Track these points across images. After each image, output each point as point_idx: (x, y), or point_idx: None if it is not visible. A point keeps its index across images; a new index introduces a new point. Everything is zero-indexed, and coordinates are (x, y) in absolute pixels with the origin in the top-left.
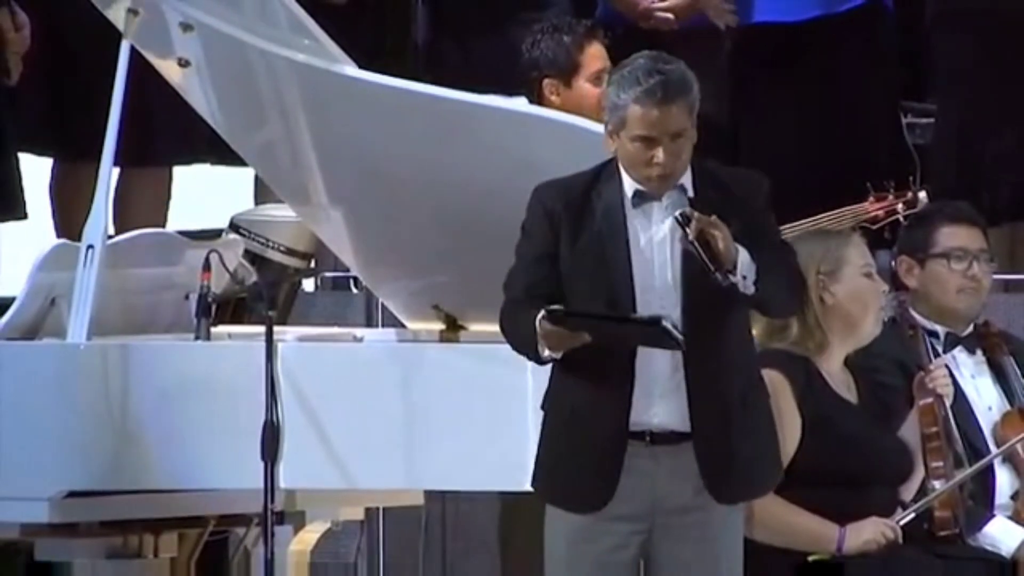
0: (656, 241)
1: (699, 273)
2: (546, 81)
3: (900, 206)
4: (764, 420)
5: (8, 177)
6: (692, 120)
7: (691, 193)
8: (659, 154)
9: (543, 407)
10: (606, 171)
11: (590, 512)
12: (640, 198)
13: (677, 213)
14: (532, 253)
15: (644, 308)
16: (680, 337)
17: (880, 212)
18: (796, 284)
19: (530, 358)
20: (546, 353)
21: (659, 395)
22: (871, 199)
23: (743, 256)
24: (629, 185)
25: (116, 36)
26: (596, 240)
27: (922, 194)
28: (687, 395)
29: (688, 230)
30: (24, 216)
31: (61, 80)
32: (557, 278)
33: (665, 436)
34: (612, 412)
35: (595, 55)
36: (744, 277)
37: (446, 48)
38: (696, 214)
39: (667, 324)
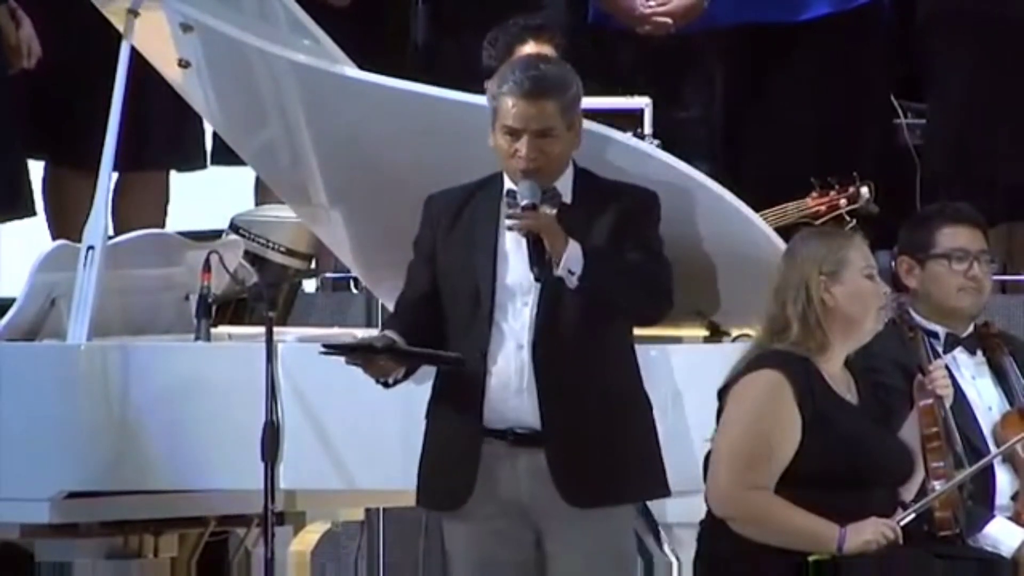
0: (520, 238)
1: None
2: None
3: (843, 201)
4: (634, 427)
5: (16, 175)
6: (566, 122)
7: (567, 198)
8: (521, 147)
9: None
10: (496, 175)
11: (448, 510)
12: (512, 196)
13: (524, 202)
14: (417, 257)
15: (501, 305)
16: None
17: (822, 208)
18: (655, 291)
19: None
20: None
21: (513, 394)
22: (814, 194)
23: (573, 251)
24: (509, 185)
25: (106, 40)
26: (468, 241)
27: (864, 189)
28: (538, 395)
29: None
30: (33, 213)
31: (51, 84)
32: (430, 283)
33: (527, 437)
34: (467, 412)
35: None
36: (571, 272)
37: (445, 48)
38: (523, 203)
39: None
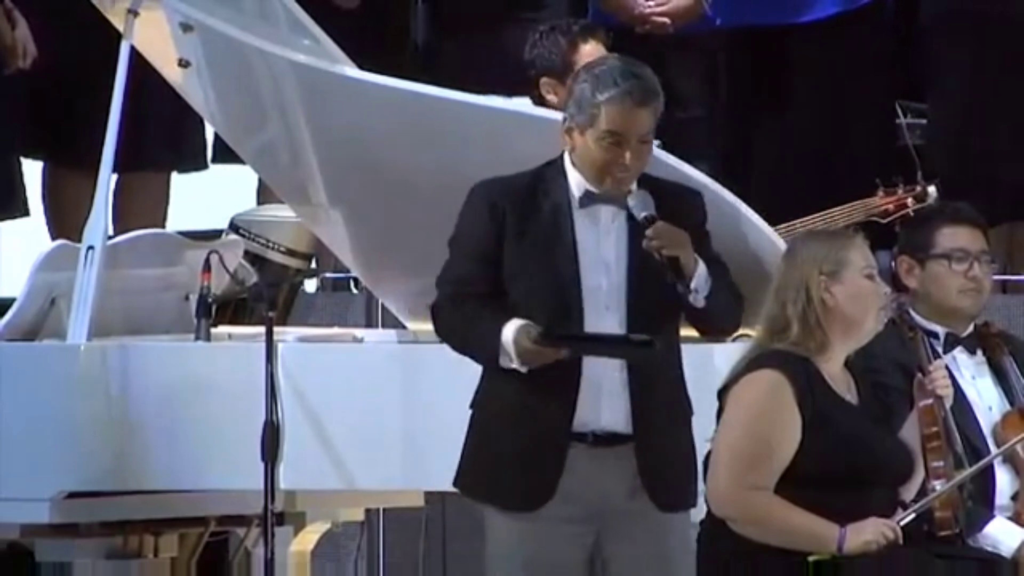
0: (603, 242)
1: (645, 276)
2: (543, 80)
3: (910, 200)
4: (689, 433)
5: (10, 175)
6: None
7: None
8: (627, 156)
9: (473, 405)
10: (551, 170)
11: (526, 511)
12: (589, 199)
13: (643, 215)
14: (471, 249)
15: (590, 307)
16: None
17: (890, 206)
18: (738, 304)
19: (478, 360)
20: (511, 365)
21: (606, 396)
22: (880, 193)
23: (700, 271)
24: (577, 185)
25: (106, 40)
26: (542, 240)
27: (931, 188)
28: (629, 397)
29: (649, 233)
30: (26, 213)
31: (51, 84)
32: (494, 277)
33: (607, 437)
34: (557, 412)
35: (589, 54)
36: (697, 290)
37: (445, 48)
38: (661, 222)
39: (657, 344)
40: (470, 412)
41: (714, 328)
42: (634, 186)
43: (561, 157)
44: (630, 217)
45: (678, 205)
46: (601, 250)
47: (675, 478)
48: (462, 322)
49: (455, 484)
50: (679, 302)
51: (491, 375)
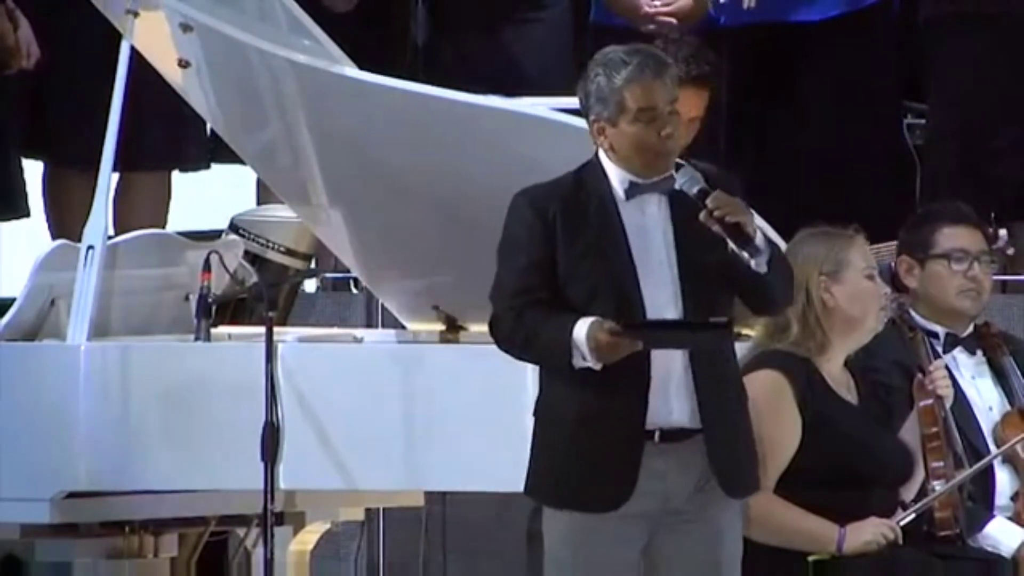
0: (652, 232)
1: (696, 259)
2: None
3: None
4: (748, 417)
5: (10, 176)
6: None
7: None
8: (666, 127)
9: (537, 413)
10: (588, 170)
11: (605, 511)
12: (634, 189)
13: (696, 189)
14: (525, 258)
15: (650, 301)
16: (732, 337)
17: None
18: (792, 276)
19: (549, 365)
20: (584, 363)
21: (675, 393)
22: None
23: (759, 235)
24: (619, 178)
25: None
26: (594, 239)
27: (1003, 232)
28: (695, 390)
29: (707, 206)
30: (27, 214)
31: (51, 84)
32: (552, 283)
33: (674, 433)
34: (629, 411)
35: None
36: (762, 254)
37: (445, 48)
38: (718, 190)
39: (731, 326)
40: (533, 420)
41: (773, 300)
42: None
43: (596, 157)
44: (673, 203)
45: (720, 183)
46: (652, 240)
47: (743, 465)
48: (527, 330)
49: (527, 492)
50: (735, 278)
51: (554, 382)
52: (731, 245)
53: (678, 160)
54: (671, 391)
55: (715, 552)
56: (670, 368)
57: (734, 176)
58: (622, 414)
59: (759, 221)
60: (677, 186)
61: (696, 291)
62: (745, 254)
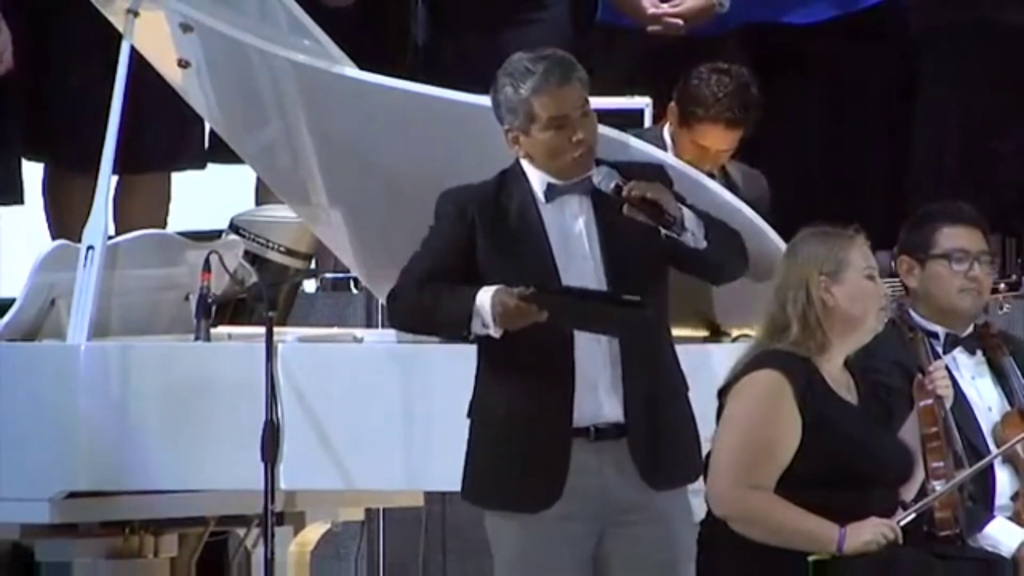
0: (573, 231)
1: (624, 255)
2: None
3: (1002, 286)
4: (688, 409)
5: (6, 162)
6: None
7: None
8: (577, 133)
9: (470, 413)
10: (510, 175)
11: (537, 511)
12: (553, 191)
13: (612, 185)
14: (442, 244)
15: None
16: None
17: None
18: (739, 242)
19: (444, 333)
20: (484, 331)
21: (603, 389)
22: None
23: (687, 212)
24: (539, 181)
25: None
26: (513, 239)
27: None
28: (622, 386)
29: (625, 199)
30: (21, 201)
31: (51, 85)
32: (462, 273)
33: (608, 430)
34: (555, 410)
35: None
36: (693, 233)
37: (445, 48)
38: (629, 182)
39: (649, 307)
40: (468, 421)
41: (722, 271)
42: (594, 167)
43: (516, 162)
44: (594, 202)
45: (642, 176)
46: (574, 238)
47: (669, 457)
48: (426, 299)
49: (463, 495)
50: (679, 261)
51: (483, 382)
52: (662, 230)
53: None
54: (600, 388)
55: (667, 550)
56: (598, 364)
57: (660, 170)
58: (548, 412)
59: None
60: (596, 183)
61: (624, 286)
62: (674, 233)
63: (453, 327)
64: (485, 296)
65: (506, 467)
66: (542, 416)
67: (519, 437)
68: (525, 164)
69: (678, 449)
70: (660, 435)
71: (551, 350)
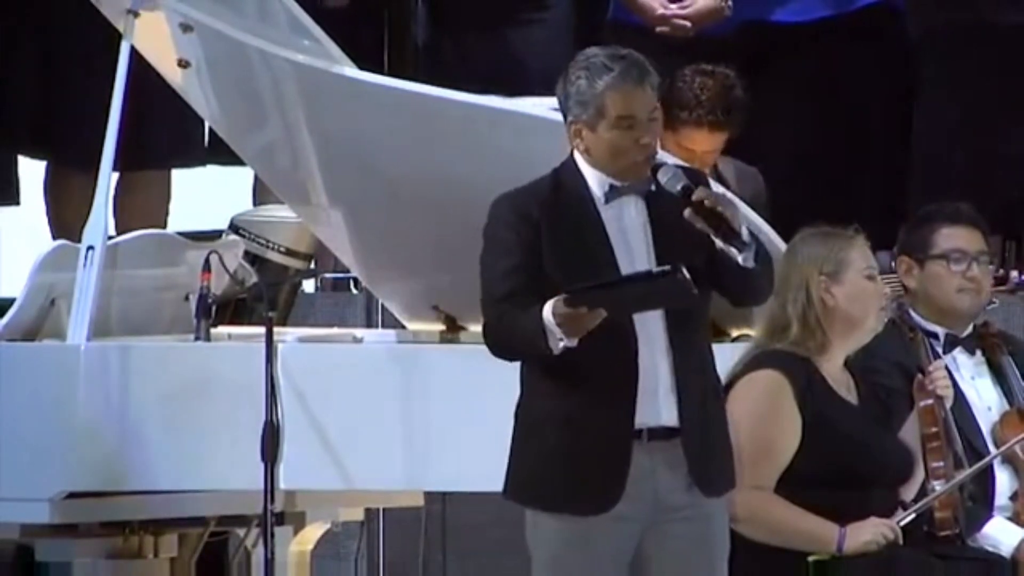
0: (632, 233)
1: (677, 259)
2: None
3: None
4: (724, 412)
5: (4, 164)
6: None
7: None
8: (644, 136)
9: (519, 415)
10: (565, 172)
11: (596, 514)
12: (614, 192)
13: (680, 186)
14: (512, 262)
15: None
16: (692, 285)
17: None
18: (772, 269)
19: (535, 356)
20: (561, 344)
21: (662, 393)
22: None
23: (744, 228)
24: (597, 181)
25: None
26: (578, 240)
27: (1013, 273)
28: (675, 388)
29: (693, 203)
30: (16, 202)
31: (51, 84)
32: (539, 285)
33: (660, 432)
34: (617, 412)
35: None
36: (749, 247)
37: (445, 48)
38: (699, 186)
39: (684, 271)
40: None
41: (760, 292)
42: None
43: (572, 158)
44: (650, 205)
45: (698, 181)
46: (634, 241)
47: (718, 464)
48: (508, 328)
49: (507, 495)
50: (719, 274)
51: (537, 383)
52: (718, 242)
53: (659, 160)
54: (660, 391)
55: (706, 548)
56: (658, 368)
57: (703, 176)
58: (611, 415)
59: (747, 212)
60: (662, 183)
61: None
62: (733, 249)
63: (536, 348)
64: (548, 311)
65: (563, 470)
66: (604, 418)
67: (579, 440)
68: (581, 162)
69: (724, 451)
70: (709, 437)
71: (614, 355)
